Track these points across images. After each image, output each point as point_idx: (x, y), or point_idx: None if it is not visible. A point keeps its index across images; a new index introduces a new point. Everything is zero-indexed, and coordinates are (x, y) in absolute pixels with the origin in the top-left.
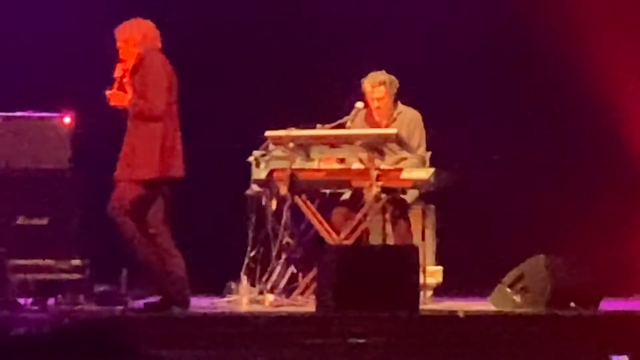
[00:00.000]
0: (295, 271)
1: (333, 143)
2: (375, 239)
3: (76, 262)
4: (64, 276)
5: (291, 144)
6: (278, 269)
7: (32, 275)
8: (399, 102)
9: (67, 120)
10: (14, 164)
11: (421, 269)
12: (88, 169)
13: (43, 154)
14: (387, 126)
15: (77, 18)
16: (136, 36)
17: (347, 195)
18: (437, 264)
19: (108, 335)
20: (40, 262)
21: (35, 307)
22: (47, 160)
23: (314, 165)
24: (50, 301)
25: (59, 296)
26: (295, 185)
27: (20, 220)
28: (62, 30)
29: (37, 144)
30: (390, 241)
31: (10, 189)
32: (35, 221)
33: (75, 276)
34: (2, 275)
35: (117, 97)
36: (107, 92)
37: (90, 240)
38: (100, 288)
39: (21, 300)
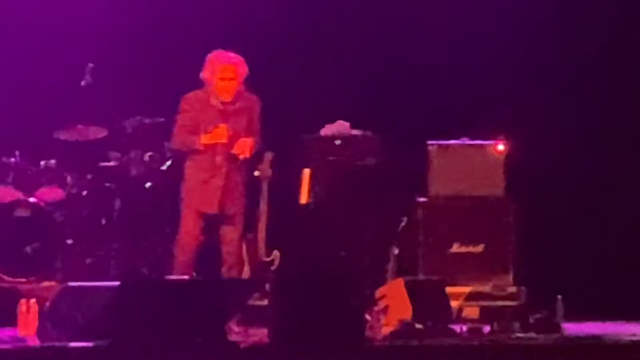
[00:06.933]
0: None
1: None
2: None
3: (512, 289)
4: (499, 303)
5: None
6: None
7: (467, 302)
8: None
9: (500, 147)
10: (450, 191)
11: None
12: (522, 196)
13: (478, 181)
14: None
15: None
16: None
17: None
18: None
19: None
20: (474, 289)
21: (470, 335)
22: (482, 187)
23: None
24: (486, 328)
25: (495, 323)
26: None
27: (455, 248)
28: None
29: (472, 171)
30: None
31: (446, 216)
32: (470, 248)
33: (511, 303)
34: (440, 302)
35: (245, 144)
36: (237, 150)
37: (524, 267)
38: (536, 315)
39: (457, 328)
